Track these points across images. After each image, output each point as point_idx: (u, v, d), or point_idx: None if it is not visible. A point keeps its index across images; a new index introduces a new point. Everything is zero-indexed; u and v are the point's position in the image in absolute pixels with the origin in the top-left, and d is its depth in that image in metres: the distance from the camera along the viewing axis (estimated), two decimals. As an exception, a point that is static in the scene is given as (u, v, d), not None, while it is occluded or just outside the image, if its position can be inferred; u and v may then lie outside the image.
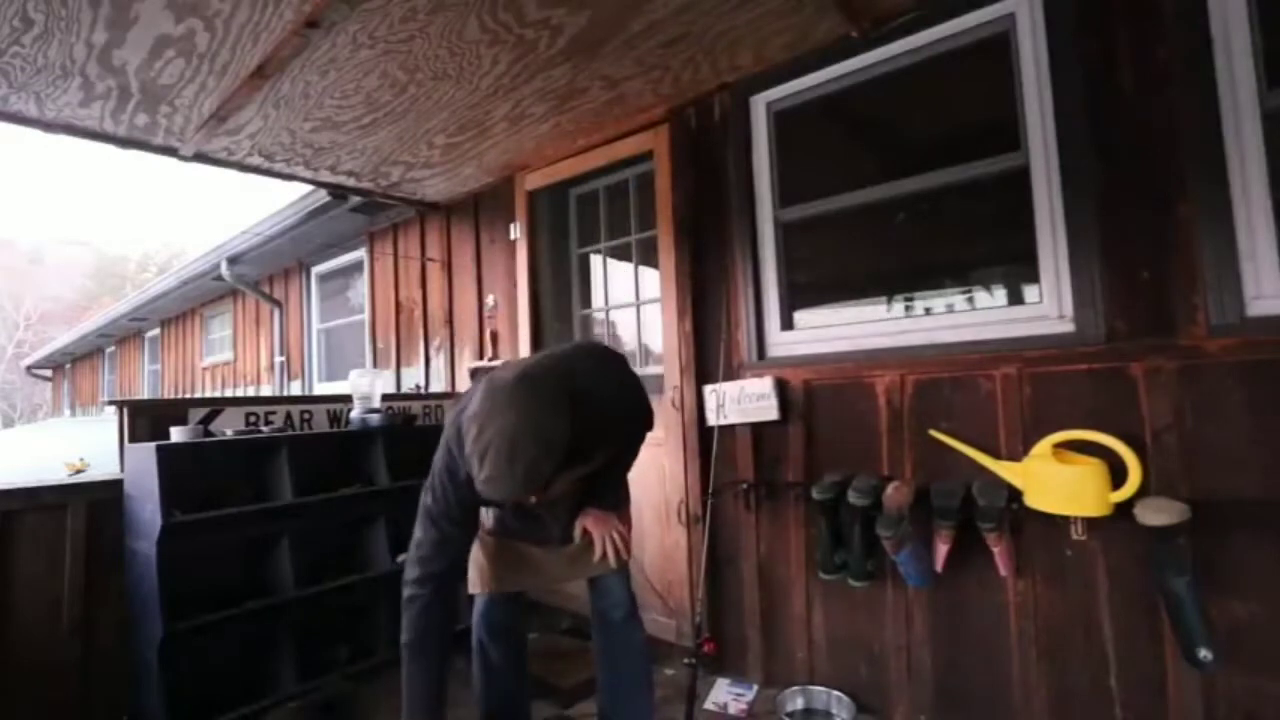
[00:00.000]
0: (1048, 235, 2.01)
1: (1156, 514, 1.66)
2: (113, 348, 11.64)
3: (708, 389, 2.63)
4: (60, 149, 60.25)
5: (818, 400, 2.44)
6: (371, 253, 4.88)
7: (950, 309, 2.46)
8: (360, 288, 5.18)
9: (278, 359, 6.08)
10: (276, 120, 2.71)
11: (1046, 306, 2.01)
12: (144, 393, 10.01)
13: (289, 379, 5.95)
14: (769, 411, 2.47)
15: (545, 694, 2.45)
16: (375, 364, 4.77)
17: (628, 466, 1.84)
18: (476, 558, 1.80)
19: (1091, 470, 1.78)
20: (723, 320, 2.68)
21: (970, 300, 2.47)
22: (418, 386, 4.17)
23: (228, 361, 7.34)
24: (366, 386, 3.09)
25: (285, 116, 2.68)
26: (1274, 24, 1.69)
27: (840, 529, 2.24)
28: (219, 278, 6.05)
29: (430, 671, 1.55)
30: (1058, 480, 1.82)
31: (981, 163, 2.18)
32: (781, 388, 2.49)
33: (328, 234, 4.98)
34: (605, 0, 2.05)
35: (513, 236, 3.57)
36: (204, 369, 7.99)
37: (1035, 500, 1.86)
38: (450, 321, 4.11)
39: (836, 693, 2.29)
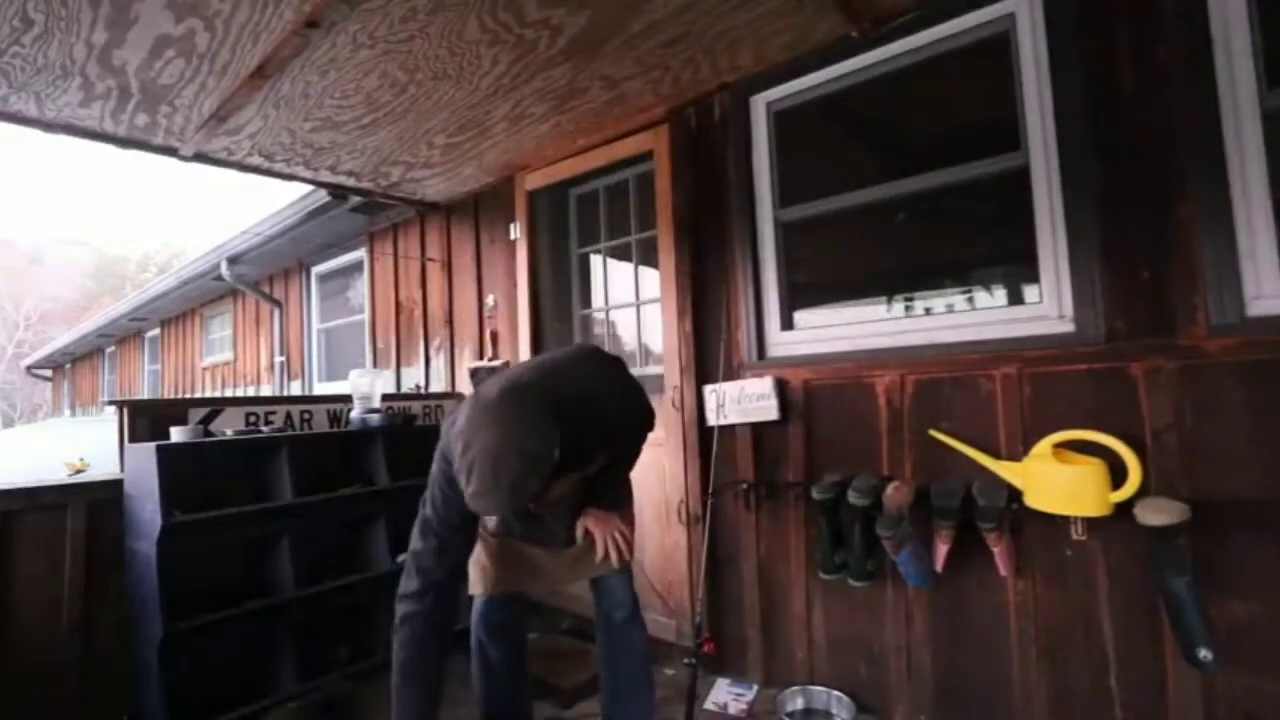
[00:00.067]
0: (1048, 235, 2.01)
1: (1156, 514, 1.66)
2: (113, 348, 11.64)
3: (708, 389, 2.63)
4: (60, 149, 60.33)
5: (818, 400, 2.44)
6: (371, 253, 4.88)
7: (950, 309, 2.46)
8: (360, 288, 5.18)
9: (278, 359, 6.08)
10: (276, 120, 2.71)
11: (1046, 306, 2.01)
12: (144, 393, 10.01)
13: (289, 379, 5.95)
14: (769, 411, 2.47)
15: (545, 694, 2.44)
16: (375, 364, 4.77)
17: (629, 466, 1.85)
18: (479, 559, 1.80)
19: (1091, 470, 1.78)
20: (723, 320, 2.68)
21: (970, 300, 2.47)
22: (418, 386, 4.17)
23: (228, 361, 7.34)
24: (366, 386, 3.09)
25: (285, 116, 2.68)
26: (1274, 24, 1.69)
27: (840, 529, 2.24)
28: (219, 278, 6.05)
29: (422, 698, 1.53)
30: (1058, 480, 1.82)
31: (981, 163, 2.18)
32: (781, 388, 2.49)
33: (328, 234, 4.98)
34: (605, 0, 2.05)
35: (513, 236, 3.57)
36: (204, 369, 8.00)
37: (1035, 500, 1.86)
38: (450, 321, 4.11)
39: (836, 693, 2.29)
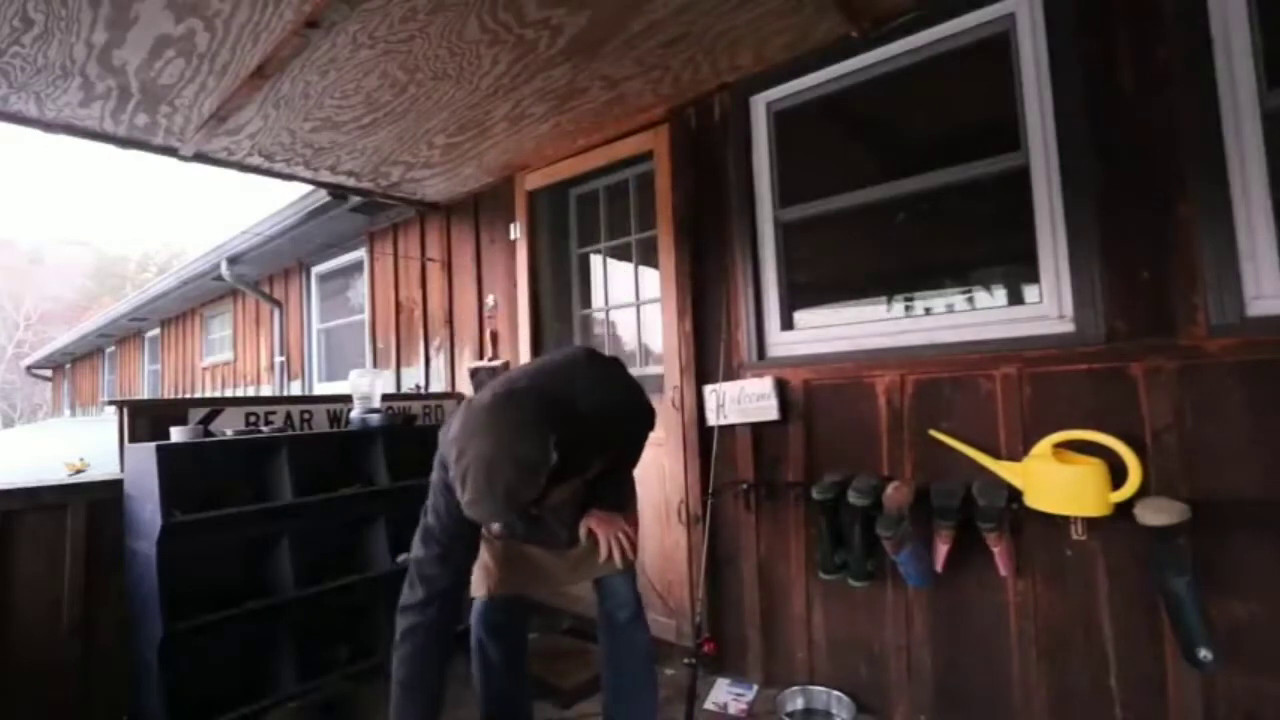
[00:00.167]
0: (1048, 235, 2.01)
1: (1156, 514, 1.66)
2: (113, 348, 11.64)
3: (708, 389, 2.63)
4: (60, 149, 60.35)
5: (818, 400, 2.44)
6: (371, 253, 4.88)
7: (950, 309, 2.46)
8: (360, 288, 5.18)
9: (278, 359, 6.08)
10: (276, 120, 2.71)
11: (1046, 306, 2.01)
12: (144, 393, 10.01)
13: (289, 379, 5.95)
14: (769, 411, 2.47)
15: (545, 694, 2.44)
16: (375, 364, 4.77)
17: (632, 466, 1.84)
18: (483, 560, 1.79)
19: (1091, 470, 1.78)
20: (723, 320, 2.68)
21: (970, 300, 2.47)
22: (418, 386, 4.17)
23: (228, 361, 7.34)
24: (366, 386, 3.09)
25: (285, 116, 2.68)
26: (1274, 24, 1.69)
27: (840, 529, 2.24)
28: (219, 278, 6.05)
29: (424, 715, 1.50)
30: (1058, 480, 1.82)
31: (981, 163, 2.18)
32: (781, 388, 2.49)
33: (328, 234, 4.98)
34: (605, 0, 2.05)
35: (513, 236, 3.57)
36: (204, 369, 8.00)
37: (1035, 500, 1.86)
38: (450, 321, 4.11)
39: (836, 693, 2.29)
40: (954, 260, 2.58)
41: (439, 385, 4.15)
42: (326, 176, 3.46)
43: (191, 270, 6.53)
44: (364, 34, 2.13)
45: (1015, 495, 1.91)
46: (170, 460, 2.29)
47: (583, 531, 1.74)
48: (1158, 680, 1.77)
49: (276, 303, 6.11)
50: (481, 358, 3.78)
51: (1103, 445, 1.81)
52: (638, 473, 1.90)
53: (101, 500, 2.44)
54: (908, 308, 2.58)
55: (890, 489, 2.07)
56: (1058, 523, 1.89)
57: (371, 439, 2.98)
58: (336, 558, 2.84)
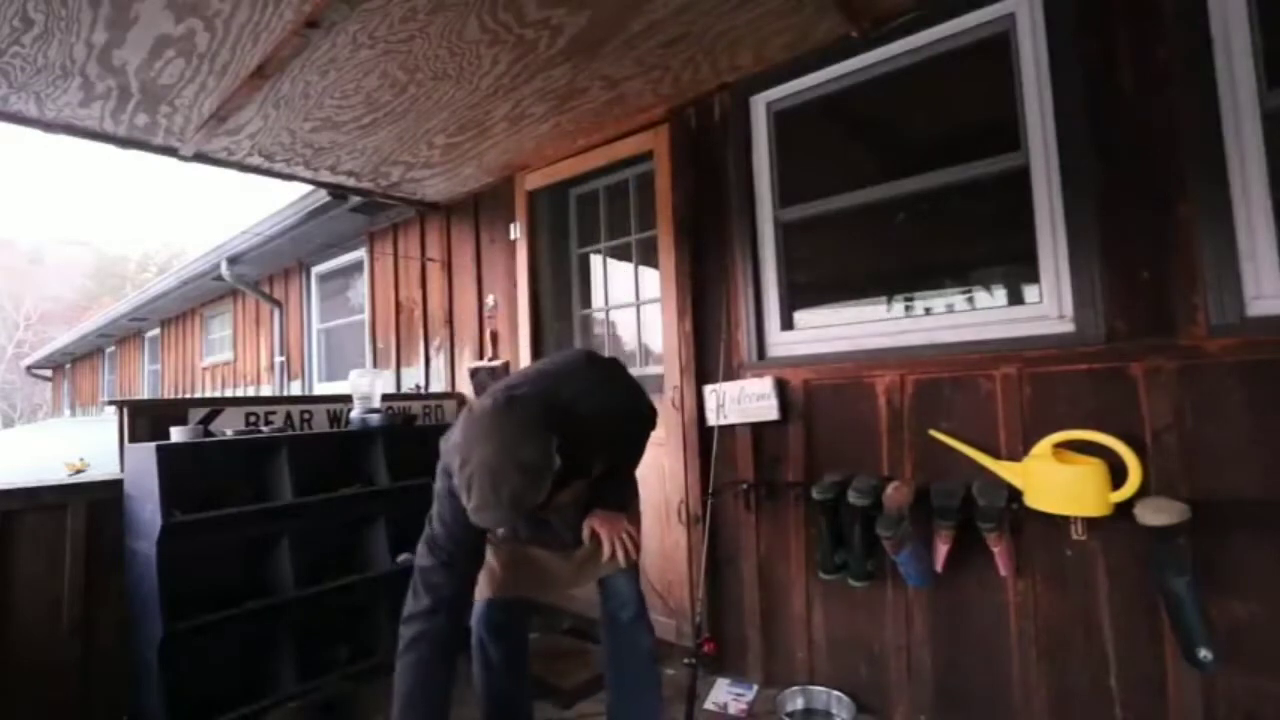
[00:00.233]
0: (1048, 235, 2.01)
1: (1156, 514, 1.66)
2: (113, 348, 11.64)
3: (708, 389, 2.63)
4: (60, 149, 60.30)
5: (818, 400, 2.44)
6: (371, 253, 4.88)
7: (950, 309, 2.46)
8: (360, 288, 5.18)
9: (278, 359, 6.08)
10: (276, 120, 2.71)
11: (1046, 306, 2.01)
12: (144, 393, 10.01)
13: (289, 379, 5.95)
14: (769, 411, 2.47)
15: (545, 694, 2.44)
16: (375, 364, 4.77)
17: (634, 466, 1.84)
18: (488, 563, 1.78)
19: (1091, 470, 1.78)
20: (723, 320, 2.68)
21: (970, 300, 2.47)
22: (418, 386, 4.17)
23: (228, 361, 7.34)
24: (366, 386, 3.09)
25: (285, 116, 2.68)
26: (1274, 24, 1.69)
27: (840, 529, 2.24)
28: (219, 278, 6.05)
29: None
30: (1058, 480, 1.82)
31: (981, 163, 2.18)
32: (781, 388, 2.49)
33: (328, 234, 4.98)
34: (605, 0, 2.05)
35: (513, 236, 3.57)
36: (204, 369, 8.00)
37: (1035, 500, 1.86)
38: (450, 321, 4.11)
39: (836, 693, 2.29)
40: (954, 260, 2.58)
41: (439, 385, 4.15)
42: (326, 176, 3.46)
43: (191, 270, 6.53)
44: (364, 34, 2.13)
45: (1015, 495, 1.91)
46: (170, 460, 2.29)
47: (586, 532, 1.74)
48: (1158, 680, 1.77)
49: (276, 303, 6.11)
50: (481, 358, 3.78)
51: (1103, 445, 1.81)
52: (638, 473, 1.90)
53: (101, 500, 2.44)
54: (908, 308, 2.58)
55: (890, 489, 2.07)
56: (1058, 523, 1.89)
57: (371, 439, 2.98)
58: (336, 558, 2.84)
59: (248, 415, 2.82)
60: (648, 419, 1.73)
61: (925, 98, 2.44)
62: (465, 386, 3.80)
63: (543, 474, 1.25)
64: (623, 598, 1.86)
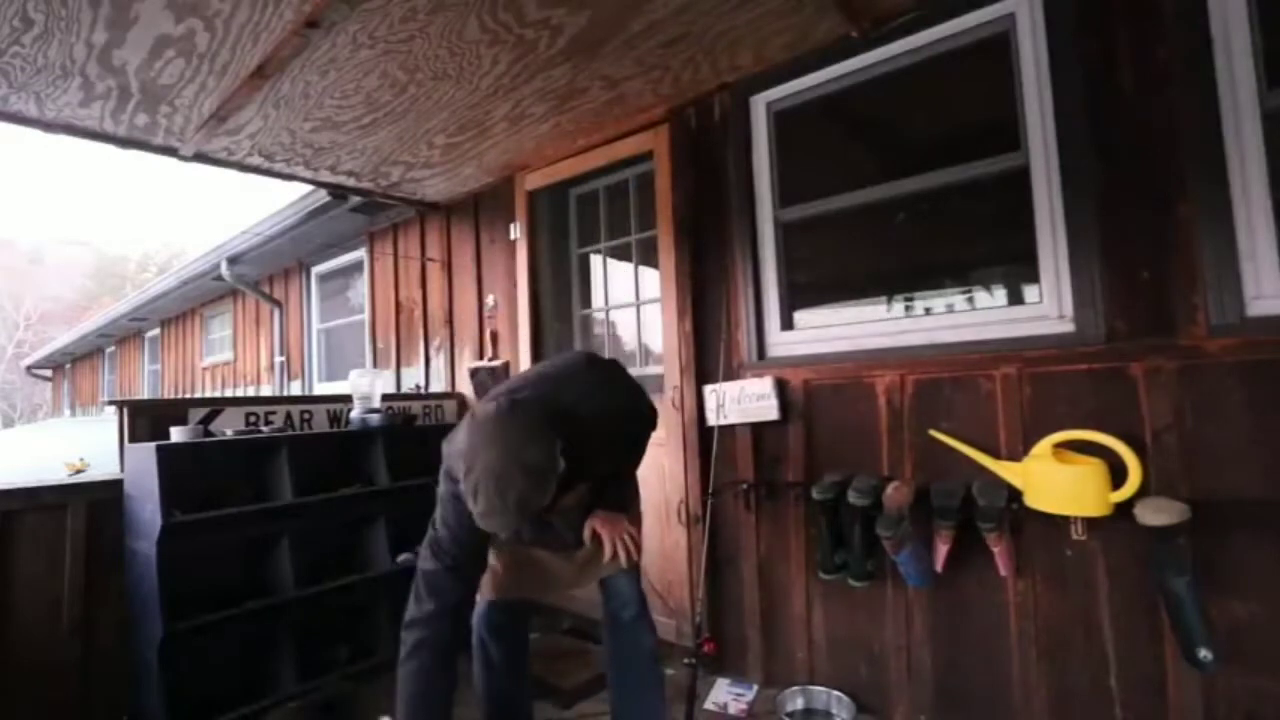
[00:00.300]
0: (1048, 235, 2.01)
1: (1156, 514, 1.66)
2: (113, 348, 11.64)
3: (708, 389, 2.63)
4: (60, 149, 60.30)
5: (818, 400, 2.44)
6: (371, 253, 4.88)
7: (950, 309, 2.46)
8: (360, 288, 5.18)
9: (278, 359, 6.08)
10: (276, 120, 2.71)
11: (1046, 306, 2.01)
12: (144, 393, 10.01)
13: (289, 379, 5.95)
14: (769, 411, 2.47)
15: (545, 694, 2.44)
16: (375, 364, 4.77)
17: (635, 467, 1.84)
18: (490, 564, 1.78)
19: (1091, 470, 1.78)
20: (723, 320, 2.68)
21: (970, 300, 2.47)
22: (418, 386, 4.17)
23: (228, 361, 7.34)
24: (366, 386, 3.09)
25: (285, 116, 2.68)
26: (1274, 24, 1.69)
27: (840, 529, 2.24)
28: (219, 278, 6.05)
29: None
30: (1058, 480, 1.82)
31: (981, 163, 2.18)
32: (781, 388, 2.49)
33: (328, 234, 4.98)
34: (605, 0, 2.05)
35: (513, 236, 3.57)
36: (204, 369, 8.00)
37: (1035, 500, 1.86)
38: (450, 321, 4.11)
39: (836, 693, 2.29)
40: (954, 260, 2.58)
41: (439, 385, 4.15)
42: (326, 176, 3.46)
43: (191, 270, 6.53)
44: (364, 34, 2.13)
45: (1015, 495, 1.91)
46: (170, 460, 2.29)
47: (587, 533, 1.74)
48: (1158, 680, 1.77)
49: (276, 303, 6.11)
50: (481, 358, 3.78)
51: (1103, 445, 1.81)
52: (639, 473, 1.90)
53: (101, 500, 2.44)
54: (908, 308, 2.58)
55: (890, 489, 2.07)
56: (1058, 523, 1.89)
57: (371, 439, 2.98)
58: (336, 558, 2.84)
59: (248, 415, 2.82)
60: (648, 420, 1.73)
61: (925, 98, 2.44)
62: (465, 386, 3.80)
63: (548, 476, 1.25)
64: (624, 597, 1.86)
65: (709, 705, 2.39)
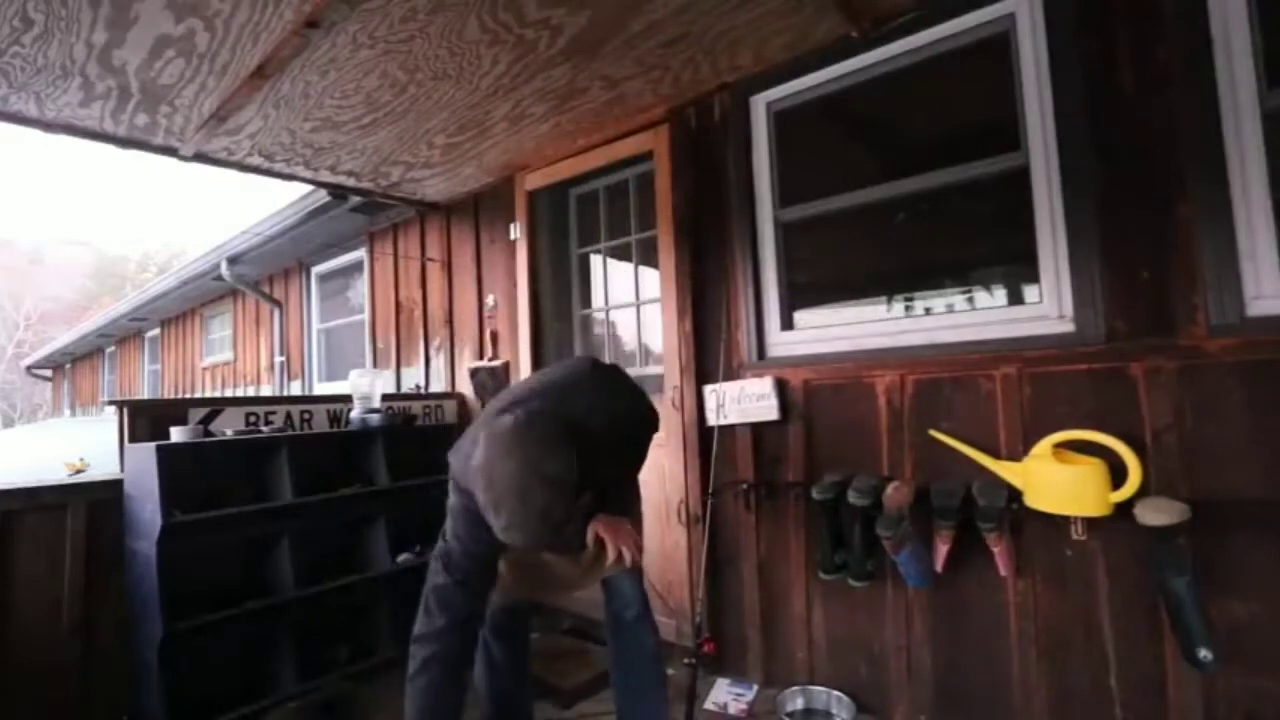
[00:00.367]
0: (1048, 235, 2.01)
1: (1156, 514, 1.66)
2: (113, 348, 11.64)
3: (708, 389, 2.63)
4: (60, 149, 60.28)
5: (818, 400, 2.44)
6: (371, 253, 4.88)
7: (950, 309, 2.46)
8: (360, 288, 5.18)
9: (278, 359, 6.08)
10: (276, 120, 2.71)
11: (1046, 306, 2.01)
12: (144, 393, 10.01)
13: (289, 379, 5.95)
14: (769, 411, 2.47)
15: (546, 694, 2.44)
16: (375, 364, 4.77)
17: (637, 470, 1.85)
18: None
19: (1091, 470, 1.78)
20: (723, 320, 2.68)
21: (970, 300, 2.47)
22: (418, 386, 4.17)
23: (228, 361, 7.34)
24: (366, 386, 3.09)
25: (285, 116, 2.68)
26: (1274, 24, 1.69)
27: (840, 529, 2.24)
28: (219, 278, 6.05)
29: None
30: (1058, 480, 1.82)
31: (981, 163, 2.18)
32: (781, 388, 2.49)
33: (328, 234, 4.98)
34: (605, 0, 2.05)
35: (513, 236, 3.57)
36: (204, 369, 7.99)
37: (1035, 500, 1.86)
38: (450, 321, 4.11)
39: (836, 693, 2.29)
40: (954, 260, 2.58)
41: (439, 385, 4.15)
42: (326, 176, 3.46)
43: (191, 270, 6.53)
44: (364, 34, 2.13)
45: (1015, 495, 1.91)
46: (170, 460, 2.29)
47: (590, 536, 1.74)
48: (1158, 680, 1.77)
49: (276, 303, 6.11)
50: (481, 358, 3.78)
51: (1103, 445, 1.81)
52: (639, 474, 1.90)
53: (101, 500, 2.44)
54: (908, 308, 2.58)
55: (890, 489, 2.07)
56: (1058, 523, 1.89)
57: (371, 439, 2.98)
58: (336, 558, 2.84)
59: (248, 415, 2.82)
60: (651, 423, 1.73)
61: (925, 98, 2.44)
62: (465, 386, 3.80)
63: (567, 485, 1.26)
64: (626, 598, 1.86)
65: (709, 705, 2.39)
